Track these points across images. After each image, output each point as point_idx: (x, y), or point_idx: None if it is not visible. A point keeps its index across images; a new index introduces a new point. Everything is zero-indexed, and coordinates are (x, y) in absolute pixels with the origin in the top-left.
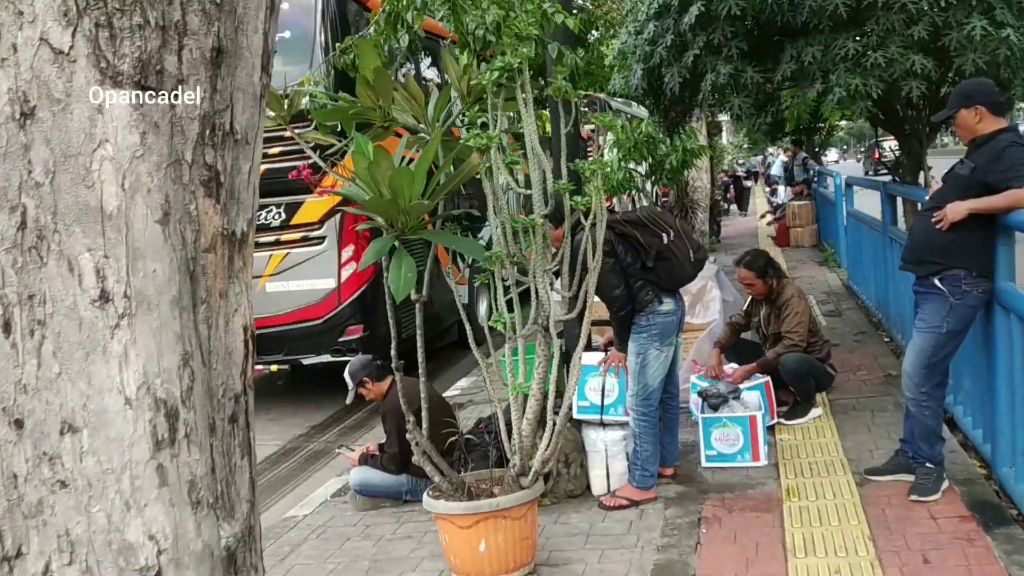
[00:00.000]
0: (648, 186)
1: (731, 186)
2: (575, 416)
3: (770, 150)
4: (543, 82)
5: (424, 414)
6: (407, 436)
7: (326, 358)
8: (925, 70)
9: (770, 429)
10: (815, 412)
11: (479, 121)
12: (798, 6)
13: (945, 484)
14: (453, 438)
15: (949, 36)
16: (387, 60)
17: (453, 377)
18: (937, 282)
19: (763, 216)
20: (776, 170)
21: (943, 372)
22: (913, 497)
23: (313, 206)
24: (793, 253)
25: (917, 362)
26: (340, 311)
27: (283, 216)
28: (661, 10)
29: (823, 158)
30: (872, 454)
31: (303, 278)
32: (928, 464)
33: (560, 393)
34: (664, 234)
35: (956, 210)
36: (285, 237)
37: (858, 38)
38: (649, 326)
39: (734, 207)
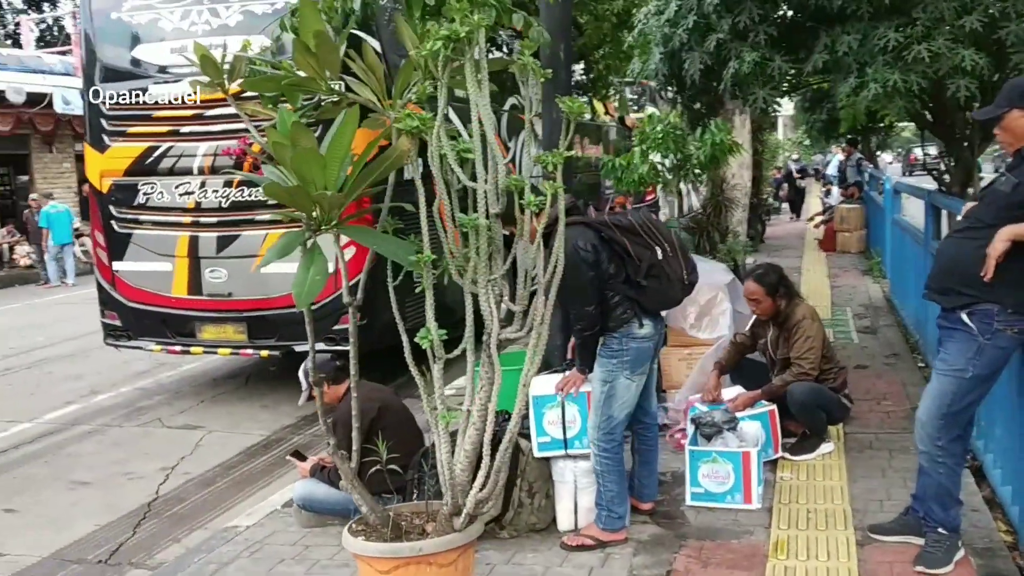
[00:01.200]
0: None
1: (783, 184)
2: (536, 455)
3: (832, 148)
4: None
5: (355, 434)
6: (332, 455)
7: (320, 346)
8: (976, 67)
9: (772, 464)
10: (825, 448)
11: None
12: None
13: (959, 554)
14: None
15: (1006, 29)
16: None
17: (456, 374)
18: (964, 317)
19: (812, 218)
20: (832, 170)
21: (964, 423)
22: (919, 568)
23: None
24: (837, 259)
25: (934, 410)
26: (336, 297)
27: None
28: None
29: (878, 159)
30: (882, 505)
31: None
32: (941, 530)
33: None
34: (658, 247)
35: (996, 248)
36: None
37: (901, 28)
38: (621, 351)
39: (785, 206)
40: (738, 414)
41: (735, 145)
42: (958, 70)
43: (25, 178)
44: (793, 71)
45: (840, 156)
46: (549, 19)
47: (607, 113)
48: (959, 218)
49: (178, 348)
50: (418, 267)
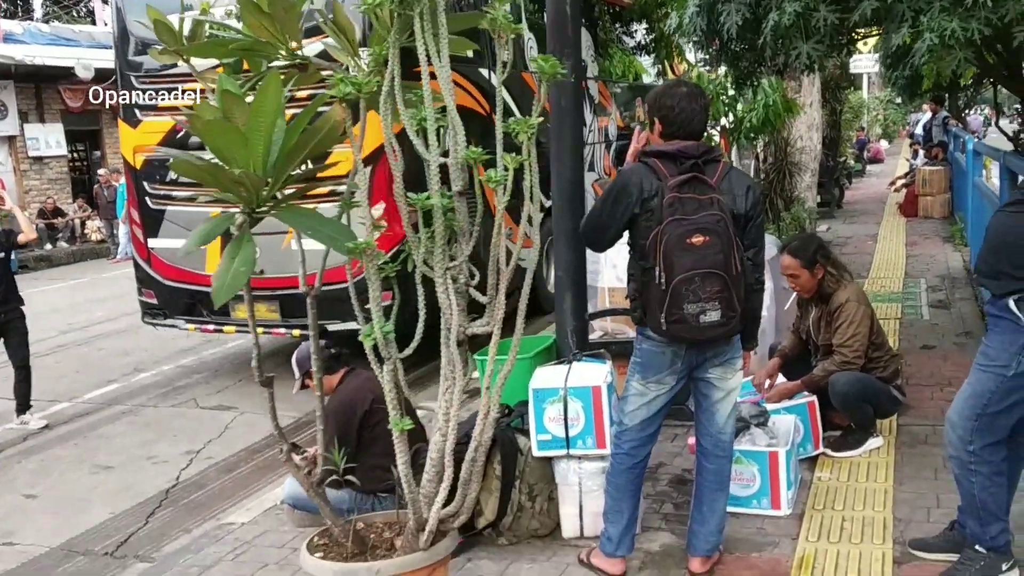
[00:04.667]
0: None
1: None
2: (536, 454)
3: (924, 106)
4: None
5: (320, 436)
6: (286, 463)
7: (352, 326)
8: None
9: (811, 461)
10: (872, 443)
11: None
12: None
13: None
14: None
15: None
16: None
17: None
18: (1013, 305)
19: (893, 182)
20: (919, 129)
21: (1005, 429)
22: None
23: (343, 157)
24: (918, 225)
25: (967, 410)
26: None
27: (309, 167)
28: None
29: (967, 117)
30: (928, 514)
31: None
32: (978, 547)
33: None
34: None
35: None
36: (311, 191)
37: None
38: (638, 349)
39: (872, 167)
40: (772, 407)
41: (793, 105)
42: None
43: (98, 154)
44: (838, 21)
45: (929, 114)
46: None
47: (674, 74)
48: (1017, 188)
49: (211, 327)
50: (357, 254)
